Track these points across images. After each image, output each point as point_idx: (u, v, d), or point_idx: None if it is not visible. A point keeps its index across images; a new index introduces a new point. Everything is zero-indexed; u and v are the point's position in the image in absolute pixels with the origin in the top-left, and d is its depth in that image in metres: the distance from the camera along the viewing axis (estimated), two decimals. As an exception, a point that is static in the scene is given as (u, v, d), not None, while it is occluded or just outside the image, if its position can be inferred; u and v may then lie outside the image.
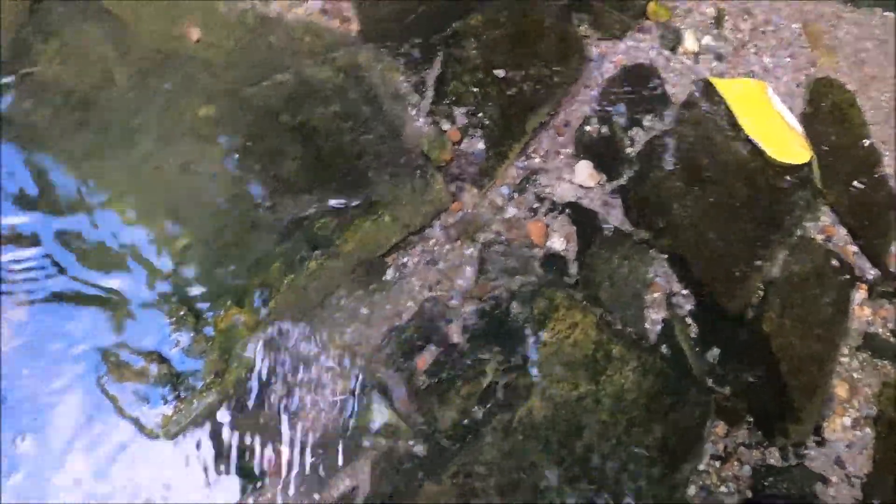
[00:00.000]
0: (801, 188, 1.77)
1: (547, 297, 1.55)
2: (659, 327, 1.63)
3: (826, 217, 1.80)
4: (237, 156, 1.57)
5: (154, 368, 1.31)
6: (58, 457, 1.20)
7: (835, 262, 1.72)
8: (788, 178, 1.78)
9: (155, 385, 1.30)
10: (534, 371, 1.47)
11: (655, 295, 1.67)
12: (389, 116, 1.71)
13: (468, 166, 1.70)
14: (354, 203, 1.55)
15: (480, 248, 1.64)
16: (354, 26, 1.88)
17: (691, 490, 1.45)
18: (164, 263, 1.43)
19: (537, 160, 1.79)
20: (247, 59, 1.71)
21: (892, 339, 1.68)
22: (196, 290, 1.41)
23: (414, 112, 1.75)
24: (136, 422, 1.27)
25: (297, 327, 1.44)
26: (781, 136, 1.83)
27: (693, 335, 1.64)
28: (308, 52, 1.76)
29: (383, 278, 1.57)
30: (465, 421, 1.43)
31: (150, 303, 1.39)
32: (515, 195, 1.73)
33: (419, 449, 1.40)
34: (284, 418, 1.39)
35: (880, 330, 1.69)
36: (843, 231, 1.79)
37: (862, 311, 1.71)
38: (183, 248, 1.44)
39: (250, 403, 1.38)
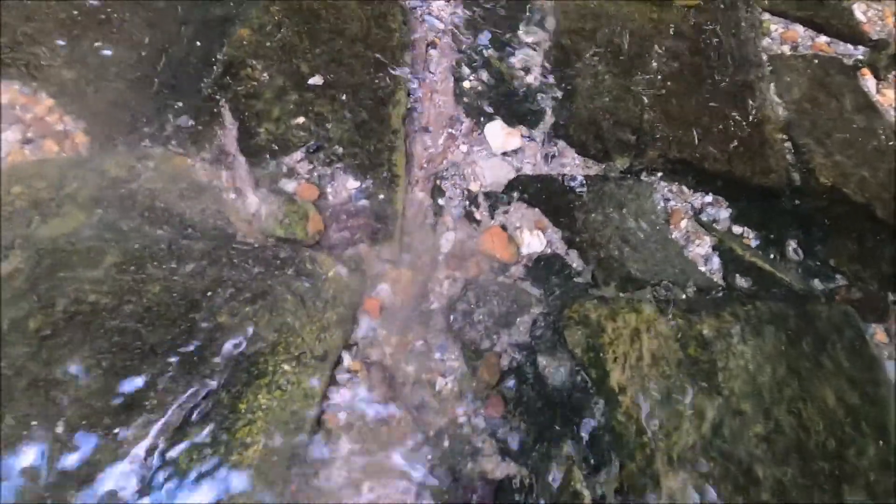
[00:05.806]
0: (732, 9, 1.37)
1: (578, 323, 0.99)
2: (716, 261, 1.14)
3: (776, 24, 1.41)
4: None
5: None
6: None
7: (818, 64, 1.34)
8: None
9: None
10: (630, 442, 0.91)
11: (683, 224, 1.18)
12: (202, 221, 1.06)
13: (352, 220, 1.10)
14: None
15: (446, 316, 1.04)
16: (80, 140, 1.21)
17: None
18: None
19: (430, 162, 1.22)
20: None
21: (933, 107, 1.32)
22: None
23: (234, 195, 1.12)
24: None
25: None
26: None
27: (754, 242, 1.17)
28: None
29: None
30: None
31: None
32: (437, 217, 1.15)
33: None
34: None
35: (918, 104, 1.32)
36: (800, 28, 1.42)
37: (885, 97, 1.33)
38: None
39: None
